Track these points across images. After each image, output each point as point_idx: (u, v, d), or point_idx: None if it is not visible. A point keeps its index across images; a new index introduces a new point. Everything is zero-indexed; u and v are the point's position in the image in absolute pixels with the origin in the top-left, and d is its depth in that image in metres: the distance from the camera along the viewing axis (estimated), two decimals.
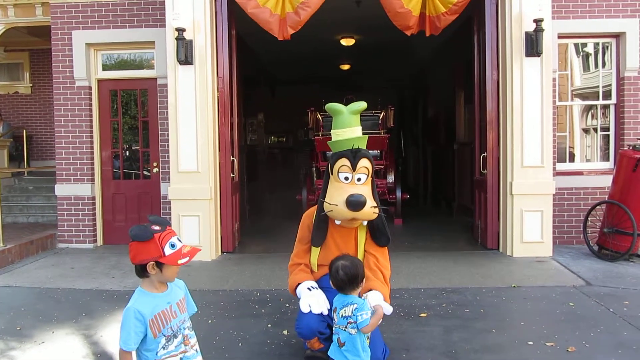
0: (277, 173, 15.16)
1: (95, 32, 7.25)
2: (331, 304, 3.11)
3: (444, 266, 6.00)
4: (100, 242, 7.57)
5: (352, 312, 2.80)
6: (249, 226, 8.85)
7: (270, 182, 14.29)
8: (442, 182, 11.59)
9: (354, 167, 3.27)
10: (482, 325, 4.17)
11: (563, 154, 7.33)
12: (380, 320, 2.89)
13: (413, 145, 15.17)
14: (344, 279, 2.86)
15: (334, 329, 2.94)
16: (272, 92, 15.29)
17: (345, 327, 2.82)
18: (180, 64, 6.31)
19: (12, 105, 11.97)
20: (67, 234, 7.43)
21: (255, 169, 13.79)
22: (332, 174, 3.36)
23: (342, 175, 3.30)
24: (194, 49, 6.34)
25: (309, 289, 3.32)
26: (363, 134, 3.49)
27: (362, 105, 3.42)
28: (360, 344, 2.82)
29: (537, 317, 4.38)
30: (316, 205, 3.60)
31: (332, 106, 3.47)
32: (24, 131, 10.80)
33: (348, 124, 3.39)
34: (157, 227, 2.32)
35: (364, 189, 3.28)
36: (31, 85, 11.96)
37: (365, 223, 3.43)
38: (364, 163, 3.30)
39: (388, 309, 3.10)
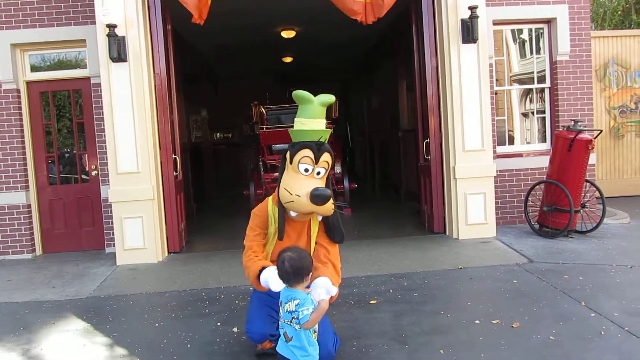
0: (224, 169, 14.96)
1: (20, 32, 6.86)
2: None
3: (392, 252, 6.06)
4: (39, 251, 7.23)
5: (294, 308, 2.77)
6: (197, 224, 8.67)
7: (217, 178, 14.10)
8: (389, 170, 11.72)
9: (316, 160, 3.13)
10: (431, 307, 4.23)
11: (503, 137, 7.53)
12: (322, 315, 2.85)
13: (360, 135, 15.28)
14: (289, 271, 2.81)
15: (280, 323, 2.89)
16: (215, 87, 15.04)
17: (291, 321, 2.79)
18: (114, 61, 6.07)
19: None
20: (2, 245, 7.05)
21: (202, 166, 13.55)
22: (291, 163, 3.19)
23: (302, 167, 3.14)
24: (127, 45, 6.11)
25: None
26: None
27: (332, 98, 3.28)
28: (306, 339, 2.79)
29: (483, 296, 4.49)
30: (265, 200, 3.46)
31: (300, 94, 3.22)
32: None
33: (316, 115, 3.20)
34: None
35: (321, 183, 3.18)
36: None
37: (320, 218, 3.36)
38: (326, 157, 3.17)
39: (333, 290, 3.03)
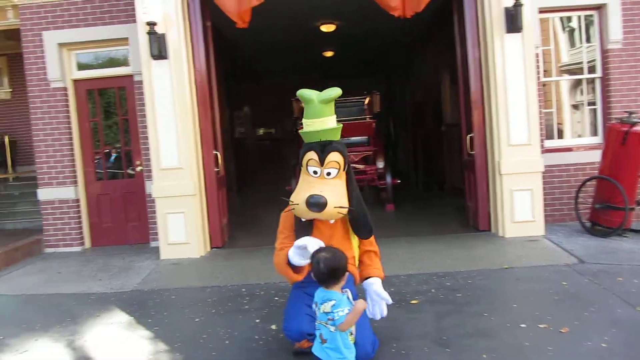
0: (267, 164, 15.05)
1: (66, 32, 7.06)
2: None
3: (435, 250, 5.92)
4: (88, 244, 7.45)
5: (330, 309, 2.71)
6: (240, 220, 8.73)
7: (260, 173, 14.20)
8: (433, 165, 11.51)
9: (322, 162, 3.12)
10: (475, 309, 4.10)
11: (552, 130, 7.23)
12: (358, 316, 2.80)
13: (403, 129, 15.07)
14: (324, 272, 2.76)
15: (315, 324, 2.84)
16: (257, 83, 15.13)
17: (326, 323, 2.73)
18: (154, 58, 6.15)
19: None
20: (53, 238, 7.31)
21: (245, 161, 13.68)
22: (302, 166, 3.22)
23: (311, 169, 3.15)
24: (167, 42, 6.18)
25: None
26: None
27: (336, 92, 3.15)
28: (342, 341, 2.73)
29: (530, 298, 4.31)
30: None
31: (303, 93, 3.20)
32: (6, 137, 10.62)
33: (319, 114, 3.14)
34: None
35: (333, 184, 3.15)
36: (11, 90, 11.75)
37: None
38: (334, 157, 3.13)
39: (387, 299, 3.24)
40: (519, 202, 6.22)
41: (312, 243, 2.95)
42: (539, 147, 6.29)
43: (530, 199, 6.22)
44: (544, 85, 7.04)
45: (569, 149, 7.06)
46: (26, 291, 5.46)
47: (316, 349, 2.80)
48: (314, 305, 2.87)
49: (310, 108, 3.18)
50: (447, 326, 3.79)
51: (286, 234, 3.38)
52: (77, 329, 4.25)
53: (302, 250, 2.96)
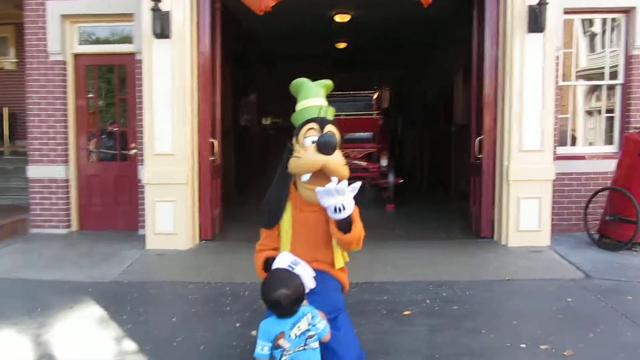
0: (270, 155, 14.73)
1: (71, 3, 6.77)
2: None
3: (433, 256, 5.63)
4: (75, 227, 7.18)
5: (308, 325, 2.42)
6: (235, 212, 8.39)
7: (262, 164, 13.88)
8: (439, 166, 11.19)
9: (322, 129, 2.81)
10: (471, 324, 3.81)
11: (564, 137, 6.90)
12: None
13: (411, 128, 14.73)
14: (291, 305, 2.43)
15: (285, 357, 2.45)
16: (268, 71, 14.81)
17: (305, 345, 2.43)
18: (156, 37, 5.86)
19: None
20: (39, 218, 7.05)
21: (247, 150, 13.36)
22: (297, 143, 2.87)
23: (308, 140, 2.80)
24: (171, 21, 5.88)
25: (290, 266, 2.73)
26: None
27: (328, 81, 3.10)
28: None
29: (532, 315, 4.02)
30: None
31: (296, 80, 3.06)
32: (5, 109, 10.40)
33: (315, 95, 2.98)
34: None
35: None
36: (17, 60, 11.50)
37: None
38: (331, 128, 2.84)
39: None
40: (525, 210, 5.93)
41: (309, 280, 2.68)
42: (552, 154, 5.99)
43: (538, 208, 5.93)
44: (560, 89, 6.69)
45: (581, 157, 6.74)
46: (1, 275, 5.20)
47: None
48: (273, 341, 2.46)
49: (305, 89, 3.01)
50: (440, 342, 3.52)
51: (267, 233, 3.10)
52: (46, 321, 3.99)
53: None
